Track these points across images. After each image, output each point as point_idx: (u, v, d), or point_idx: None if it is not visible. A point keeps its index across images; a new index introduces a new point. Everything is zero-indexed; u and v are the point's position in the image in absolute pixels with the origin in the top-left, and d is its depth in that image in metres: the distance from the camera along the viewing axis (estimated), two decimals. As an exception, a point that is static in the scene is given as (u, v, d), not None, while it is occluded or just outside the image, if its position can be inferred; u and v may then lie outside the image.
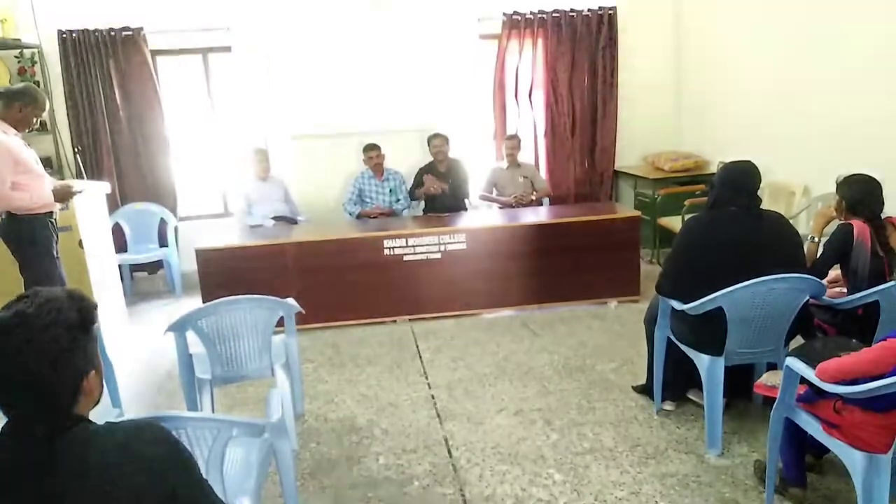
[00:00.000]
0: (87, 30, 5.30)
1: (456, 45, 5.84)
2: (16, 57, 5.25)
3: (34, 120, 3.74)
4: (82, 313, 1.20)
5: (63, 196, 3.83)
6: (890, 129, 3.84)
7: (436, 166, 5.61)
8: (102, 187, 4.60)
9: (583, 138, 6.10)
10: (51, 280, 3.76)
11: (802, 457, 2.43)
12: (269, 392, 2.34)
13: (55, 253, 3.78)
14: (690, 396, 3.19)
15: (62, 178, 4.68)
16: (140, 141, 5.57)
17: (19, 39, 5.08)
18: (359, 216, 5.49)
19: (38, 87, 4.52)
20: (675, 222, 5.14)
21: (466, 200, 5.73)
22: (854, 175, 2.94)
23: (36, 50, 5.25)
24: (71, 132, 5.45)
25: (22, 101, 3.61)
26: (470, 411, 3.29)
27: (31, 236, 3.66)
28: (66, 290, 1.22)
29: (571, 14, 5.87)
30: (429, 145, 5.60)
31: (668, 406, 3.17)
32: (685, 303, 2.73)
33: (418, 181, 5.61)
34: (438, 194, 5.48)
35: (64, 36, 5.29)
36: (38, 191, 3.62)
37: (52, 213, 3.76)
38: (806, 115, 4.56)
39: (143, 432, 1.21)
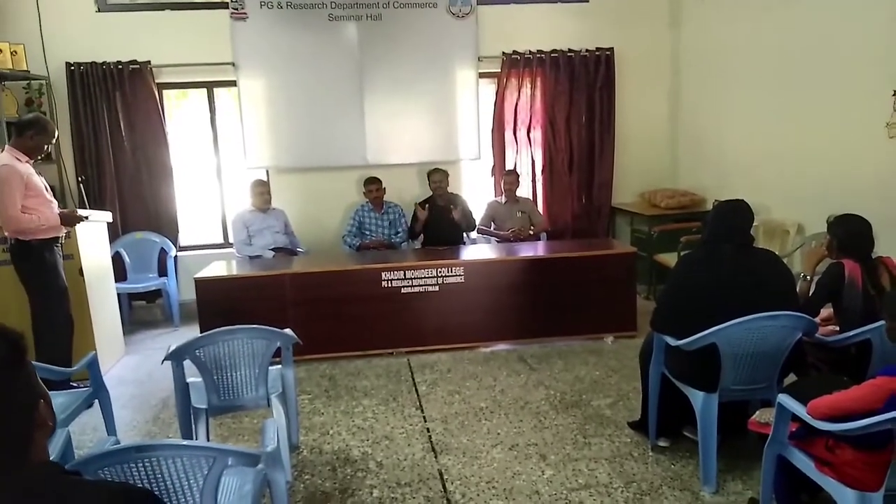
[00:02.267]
0: (96, 62, 5.41)
1: (456, 82, 5.96)
2: (24, 88, 5.35)
3: (45, 147, 3.94)
4: (11, 346, 1.09)
5: (70, 220, 3.99)
6: (882, 169, 3.91)
7: (436, 201, 5.67)
8: (105, 216, 4.67)
9: (580, 175, 6.19)
10: (59, 304, 3.84)
11: (797, 495, 2.42)
12: (264, 422, 2.34)
13: (62, 278, 3.87)
14: (685, 433, 3.18)
15: (66, 207, 4.76)
16: (144, 171, 5.64)
17: (28, 71, 5.18)
18: (359, 248, 5.53)
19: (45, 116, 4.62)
20: (671, 259, 5.18)
21: (465, 235, 5.78)
22: (845, 215, 3.00)
23: (44, 81, 5.36)
24: (75, 162, 5.52)
25: (33, 129, 3.83)
26: (465, 445, 3.28)
27: (40, 260, 3.81)
28: None
29: (569, 54, 6.00)
30: (429, 180, 5.68)
31: (663, 442, 3.16)
32: (679, 339, 2.76)
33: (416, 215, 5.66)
34: (447, 216, 5.53)
35: (72, 68, 5.39)
36: (45, 214, 3.79)
37: (58, 238, 3.90)
38: (801, 154, 4.64)
39: None
